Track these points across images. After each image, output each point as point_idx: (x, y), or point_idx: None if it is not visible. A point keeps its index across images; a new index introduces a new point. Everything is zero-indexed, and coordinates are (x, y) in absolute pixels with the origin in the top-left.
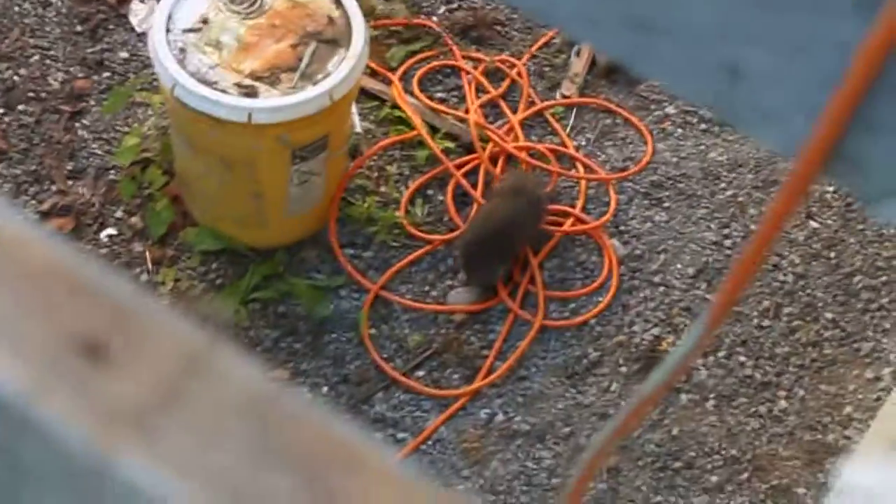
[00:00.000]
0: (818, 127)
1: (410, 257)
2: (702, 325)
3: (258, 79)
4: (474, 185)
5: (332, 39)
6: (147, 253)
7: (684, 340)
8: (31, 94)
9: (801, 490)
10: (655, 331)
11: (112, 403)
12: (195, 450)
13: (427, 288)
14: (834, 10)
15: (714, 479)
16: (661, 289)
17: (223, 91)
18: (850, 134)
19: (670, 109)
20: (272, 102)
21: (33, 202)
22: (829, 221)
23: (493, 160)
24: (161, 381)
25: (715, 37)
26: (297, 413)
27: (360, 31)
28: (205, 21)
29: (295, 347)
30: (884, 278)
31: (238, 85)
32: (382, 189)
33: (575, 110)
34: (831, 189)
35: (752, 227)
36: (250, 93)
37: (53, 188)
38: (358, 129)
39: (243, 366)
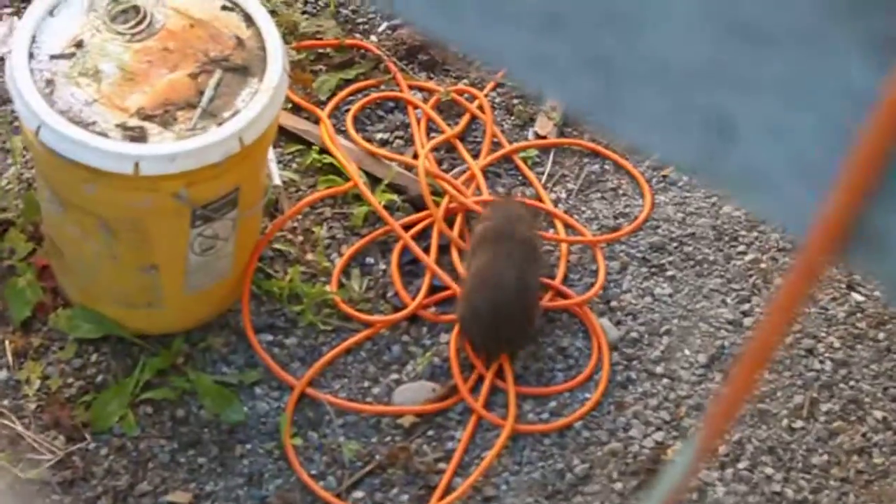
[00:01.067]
0: (832, 197)
1: (345, 345)
2: (697, 440)
3: (147, 118)
4: (426, 251)
5: (242, 67)
6: (6, 342)
7: (678, 458)
8: None
9: None
10: (658, 436)
11: None
12: None
13: (367, 384)
14: (839, 47)
15: None
16: (665, 381)
17: (103, 134)
18: (872, 205)
19: (680, 164)
20: (165, 148)
21: None
22: (877, 293)
23: (450, 218)
24: None
25: (696, 81)
26: None
27: (277, 55)
28: (78, 45)
29: (198, 463)
30: None
31: (122, 126)
32: (309, 257)
33: (553, 154)
34: None
35: None
36: (138, 136)
37: None
38: (277, 181)
39: None
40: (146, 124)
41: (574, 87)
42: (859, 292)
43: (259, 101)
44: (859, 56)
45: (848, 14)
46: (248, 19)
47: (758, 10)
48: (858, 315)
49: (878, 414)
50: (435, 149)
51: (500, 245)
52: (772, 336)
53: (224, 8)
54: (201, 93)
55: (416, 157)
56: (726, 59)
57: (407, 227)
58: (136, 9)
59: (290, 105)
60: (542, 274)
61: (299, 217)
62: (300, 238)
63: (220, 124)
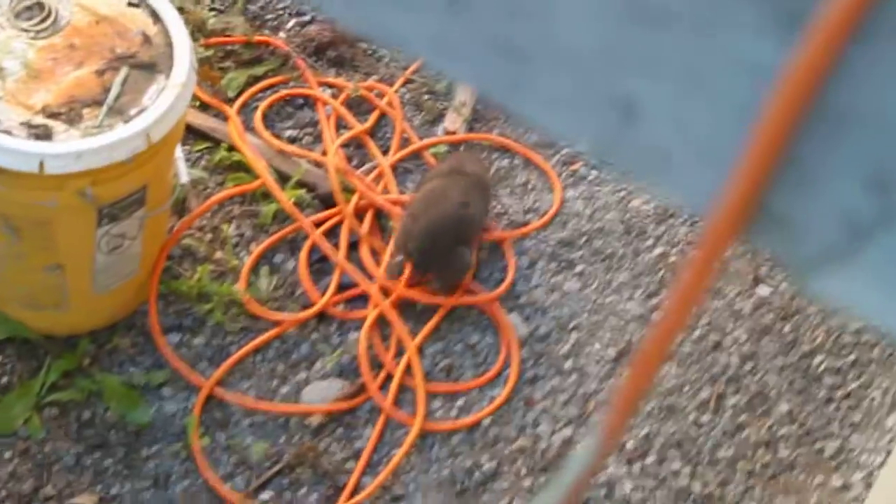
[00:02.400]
0: (734, 176)
1: (253, 344)
2: (597, 435)
3: (53, 116)
4: (336, 248)
5: (149, 63)
6: None
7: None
8: None
9: None
10: (567, 431)
11: None
12: None
13: (275, 383)
14: (741, 25)
15: None
16: (574, 377)
17: (6, 132)
18: (777, 184)
19: (583, 146)
20: (71, 146)
21: None
22: (783, 287)
23: (359, 215)
24: None
25: (600, 63)
26: None
27: (184, 52)
28: None
29: (104, 465)
30: (851, 358)
31: (27, 124)
32: (217, 255)
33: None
34: None
35: None
36: (42, 134)
37: None
38: (184, 179)
39: None
40: (51, 122)
41: (479, 69)
42: (766, 285)
43: (166, 98)
44: (762, 33)
45: None
46: (155, 16)
47: None
48: (765, 308)
49: (784, 407)
50: (344, 145)
51: (450, 176)
52: (673, 325)
53: (130, 4)
54: (107, 90)
55: (325, 153)
56: (627, 38)
57: (316, 225)
58: (41, 5)
59: (197, 103)
60: (486, 213)
61: (207, 215)
62: (208, 236)
63: (126, 121)
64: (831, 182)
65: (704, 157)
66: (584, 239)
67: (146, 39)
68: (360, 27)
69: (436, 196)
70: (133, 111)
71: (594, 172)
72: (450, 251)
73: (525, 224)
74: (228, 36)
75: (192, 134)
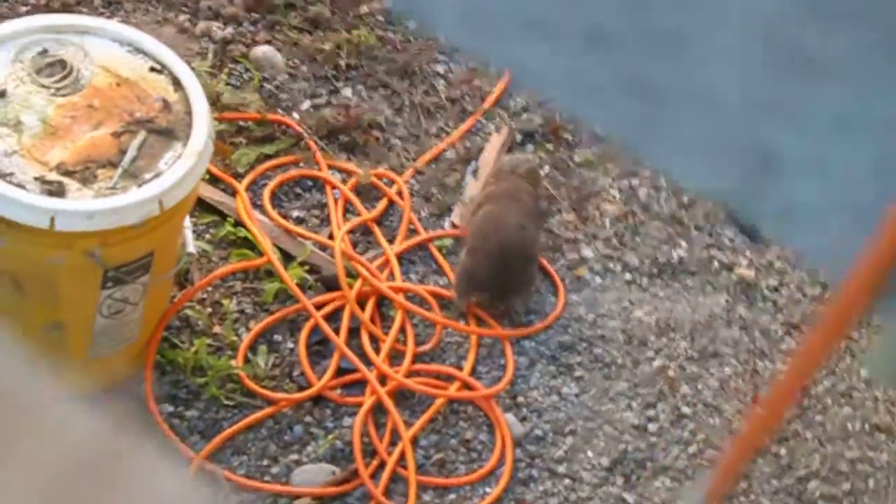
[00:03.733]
0: (877, 236)
1: (247, 420)
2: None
3: (67, 174)
4: (336, 332)
5: (167, 130)
6: None
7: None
8: None
9: None
10: None
11: None
12: None
13: (266, 462)
14: (885, 81)
15: None
16: (566, 481)
17: (20, 186)
18: None
19: (588, 252)
20: (83, 205)
21: None
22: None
23: (361, 301)
24: None
25: (742, 110)
26: None
27: (203, 121)
28: (1, 94)
29: None
30: (846, 486)
31: (40, 180)
32: (217, 330)
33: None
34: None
35: (685, 408)
36: (56, 191)
37: None
38: (191, 249)
39: None
40: (65, 179)
41: (614, 109)
42: None
43: (182, 166)
44: None
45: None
46: (177, 83)
47: (814, 42)
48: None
49: None
50: (351, 231)
51: (506, 200)
52: (799, 378)
53: (153, 70)
54: (123, 152)
55: (331, 237)
56: (778, 89)
57: (318, 307)
58: (63, 63)
59: (207, 176)
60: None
61: (209, 289)
62: (209, 310)
63: (140, 185)
64: None
65: (845, 212)
66: (584, 345)
67: (166, 105)
68: (490, 57)
69: (493, 223)
70: (148, 175)
71: (598, 279)
72: (521, 272)
73: (527, 325)
74: (243, 112)
75: (200, 206)
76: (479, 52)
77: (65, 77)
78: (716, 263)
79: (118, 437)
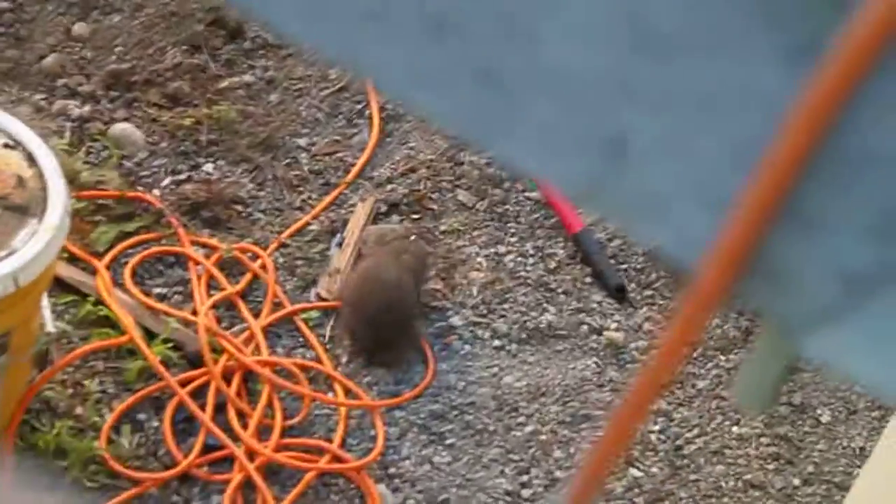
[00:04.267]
0: (731, 221)
1: (112, 503)
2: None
3: None
4: (202, 408)
5: (21, 206)
6: None
7: None
8: None
9: None
10: None
11: None
12: None
13: None
14: (750, 55)
15: None
16: None
17: None
18: (776, 232)
19: (456, 320)
20: None
21: None
22: (655, 469)
23: (227, 376)
24: None
25: (592, 94)
26: None
27: (58, 197)
28: None
29: None
30: None
31: None
32: (78, 411)
33: (335, 316)
34: (656, 429)
35: (558, 473)
36: None
37: None
38: (50, 329)
39: None
40: None
41: (457, 101)
42: (637, 467)
43: (37, 243)
44: (773, 64)
45: (761, 23)
46: (31, 159)
47: (667, 18)
48: (636, 491)
49: None
50: (215, 306)
51: (389, 253)
52: (653, 381)
53: (6, 146)
54: None
55: (195, 313)
56: (623, 69)
57: (183, 384)
58: None
59: (66, 255)
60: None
61: (70, 369)
62: (70, 391)
63: None
64: (834, 232)
65: (702, 199)
66: (455, 412)
67: (20, 182)
68: (322, 49)
69: (369, 282)
70: (1, 253)
71: (467, 347)
72: (400, 331)
73: (396, 395)
74: (102, 190)
75: (59, 286)
76: (316, 45)
77: None
78: (584, 327)
79: None
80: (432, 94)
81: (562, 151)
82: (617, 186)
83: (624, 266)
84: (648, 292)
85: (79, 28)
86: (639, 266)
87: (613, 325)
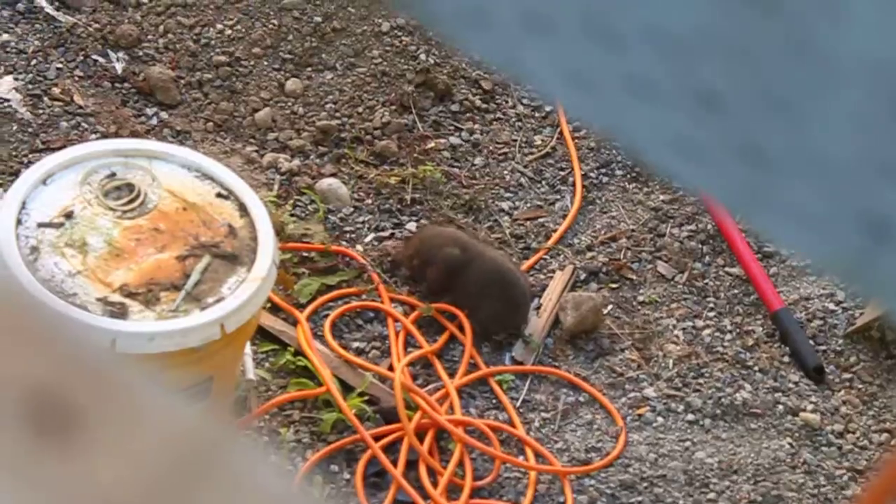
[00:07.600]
0: None
1: None
2: None
3: (130, 295)
4: (394, 464)
5: (231, 255)
6: None
7: None
8: None
9: None
10: None
11: None
12: None
13: None
14: None
15: None
16: None
17: (82, 307)
18: None
19: (650, 392)
20: (145, 327)
21: None
22: None
23: (420, 434)
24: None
25: (854, 174)
26: None
27: (267, 248)
28: (68, 215)
29: None
30: None
31: (103, 301)
32: (273, 458)
33: (529, 381)
34: None
35: None
36: (118, 312)
37: None
38: (251, 376)
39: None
40: (128, 301)
41: (720, 175)
42: None
43: (245, 291)
44: None
45: None
46: (243, 209)
47: None
48: None
49: None
50: (411, 363)
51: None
52: None
53: (219, 195)
54: (187, 276)
55: (391, 369)
56: (887, 150)
57: (376, 438)
58: (131, 186)
59: (269, 305)
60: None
61: (267, 417)
62: (265, 438)
63: (202, 309)
64: None
65: None
66: (644, 484)
67: (231, 231)
68: (590, 118)
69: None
70: (210, 299)
71: (660, 419)
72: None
73: (587, 462)
74: (307, 243)
75: (261, 334)
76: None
77: (132, 200)
78: (780, 407)
79: (220, 430)
80: (697, 167)
81: (822, 230)
82: (882, 266)
83: (823, 347)
84: (847, 375)
85: (292, 84)
86: (838, 348)
87: (810, 407)
